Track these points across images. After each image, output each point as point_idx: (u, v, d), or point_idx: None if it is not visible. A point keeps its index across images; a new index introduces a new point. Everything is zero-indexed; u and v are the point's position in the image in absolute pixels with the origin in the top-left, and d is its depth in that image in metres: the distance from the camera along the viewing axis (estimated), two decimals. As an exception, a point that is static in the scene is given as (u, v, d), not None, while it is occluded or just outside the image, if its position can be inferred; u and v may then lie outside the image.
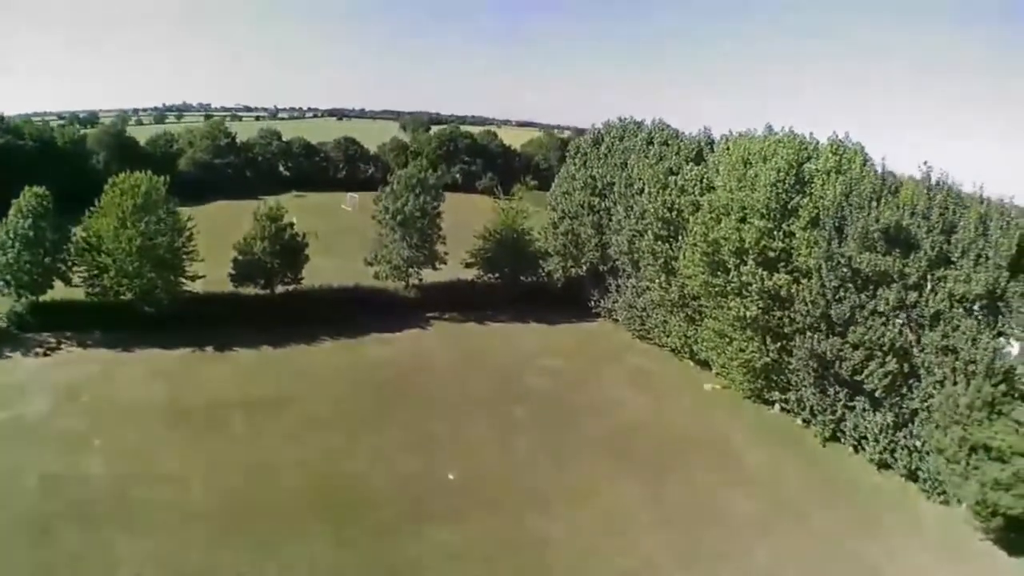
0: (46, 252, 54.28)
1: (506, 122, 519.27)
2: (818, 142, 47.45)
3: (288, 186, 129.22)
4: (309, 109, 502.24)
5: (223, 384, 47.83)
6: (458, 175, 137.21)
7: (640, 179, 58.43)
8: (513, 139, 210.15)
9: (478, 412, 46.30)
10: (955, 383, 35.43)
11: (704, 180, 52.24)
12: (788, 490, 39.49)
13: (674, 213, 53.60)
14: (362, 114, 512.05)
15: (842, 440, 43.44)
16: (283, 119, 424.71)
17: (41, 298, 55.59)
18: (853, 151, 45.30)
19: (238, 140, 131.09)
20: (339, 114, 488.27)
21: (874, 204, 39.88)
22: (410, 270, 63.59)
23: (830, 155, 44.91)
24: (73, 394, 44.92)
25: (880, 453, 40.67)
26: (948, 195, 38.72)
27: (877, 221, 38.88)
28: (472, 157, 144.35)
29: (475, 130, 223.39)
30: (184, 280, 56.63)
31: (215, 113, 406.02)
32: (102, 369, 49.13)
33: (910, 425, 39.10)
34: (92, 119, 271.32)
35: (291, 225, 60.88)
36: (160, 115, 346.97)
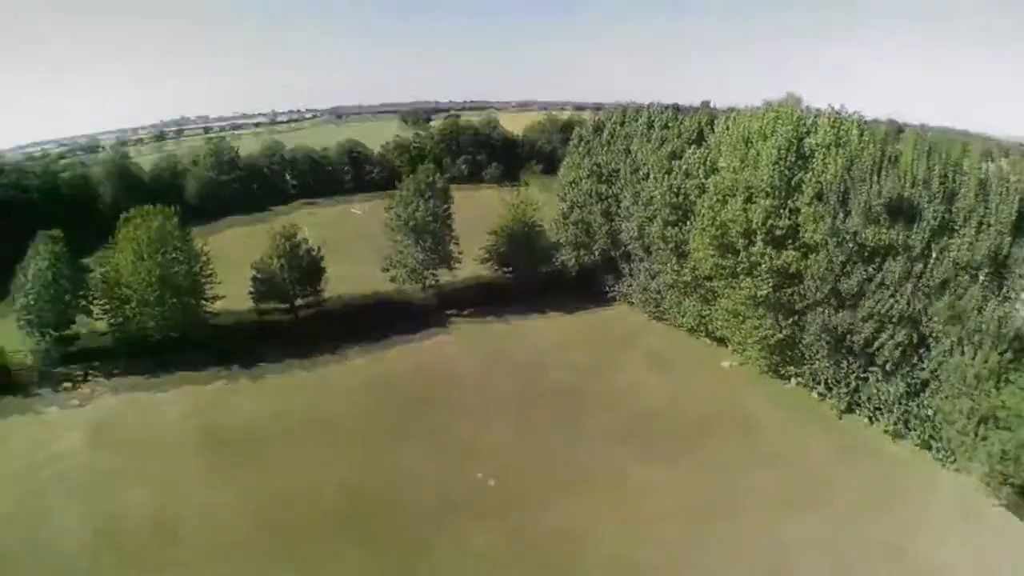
0: (65, 290, 55.27)
1: (506, 104, 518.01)
2: (816, 115, 48.04)
3: (295, 197, 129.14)
4: (308, 110, 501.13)
5: (255, 409, 48.73)
6: (464, 168, 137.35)
7: (645, 164, 59.14)
8: (514, 123, 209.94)
9: (504, 412, 47.55)
10: (963, 352, 36.22)
11: (708, 162, 52.90)
12: (808, 463, 40.74)
13: (681, 197, 54.38)
14: (360, 111, 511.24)
15: (857, 412, 44.42)
16: (282, 123, 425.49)
17: (64, 333, 56.45)
18: (851, 123, 45.88)
19: (242, 155, 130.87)
20: (338, 112, 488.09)
21: (875, 177, 40.60)
22: (426, 273, 64.55)
23: (828, 128, 45.50)
24: (106, 429, 45.82)
25: (895, 424, 41.70)
26: (947, 162, 39.36)
27: (879, 195, 39.66)
28: (476, 149, 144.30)
29: (476, 118, 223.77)
30: (205, 303, 57.80)
31: (213, 124, 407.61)
32: (131, 403, 49.92)
33: (922, 394, 40.03)
34: (92, 146, 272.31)
35: (305, 240, 61.82)
36: (160, 134, 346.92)
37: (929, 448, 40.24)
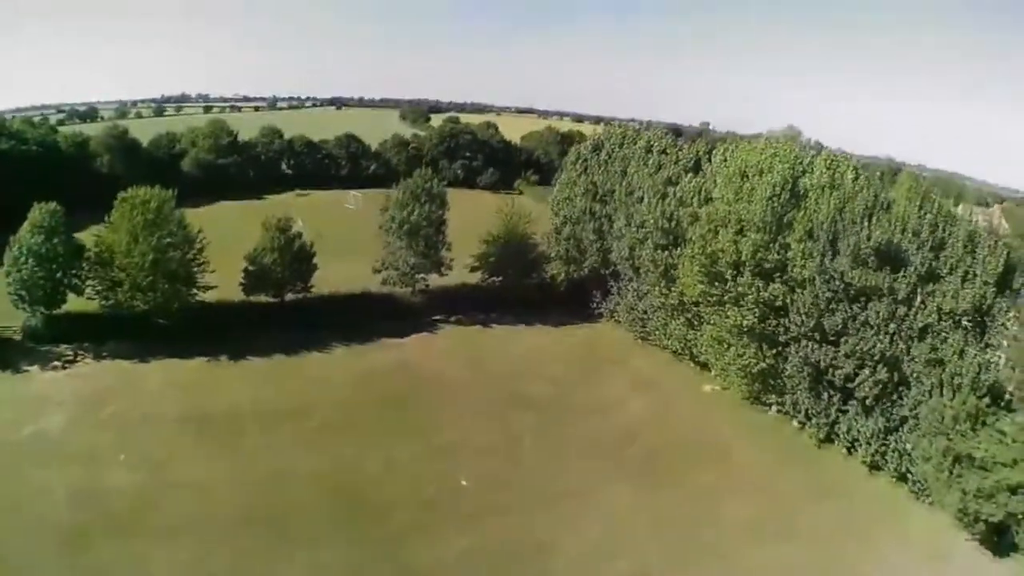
0: (59, 267, 54.89)
1: (505, 109, 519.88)
2: (813, 156, 49.17)
3: (291, 184, 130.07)
4: (308, 98, 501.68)
5: (239, 393, 49.40)
6: (460, 171, 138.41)
7: (640, 188, 60.07)
8: (512, 128, 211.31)
9: (486, 418, 48.26)
10: (942, 394, 37.32)
11: (703, 192, 53.84)
12: (783, 491, 41.53)
13: (673, 223, 55.27)
14: (361, 103, 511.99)
15: (836, 442, 45.31)
16: (282, 109, 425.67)
17: (54, 311, 56.36)
18: (846, 166, 46.96)
19: (240, 139, 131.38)
20: (338, 103, 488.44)
21: (866, 221, 41.67)
22: (417, 277, 65.17)
23: (824, 170, 46.55)
24: (94, 407, 46.23)
25: (872, 456, 42.60)
26: (939, 212, 40.48)
27: (868, 239, 40.70)
28: (473, 153, 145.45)
29: (475, 121, 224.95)
30: (197, 291, 57.91)
31: (214, 104, 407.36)
32: (120, 380, 50.44)
33: (900, 430, 41.06)
34: (91, 113, 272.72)
35: (299, 235, 62.18)
36: (159, 107, 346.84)
37: (905, 481, 41.21)
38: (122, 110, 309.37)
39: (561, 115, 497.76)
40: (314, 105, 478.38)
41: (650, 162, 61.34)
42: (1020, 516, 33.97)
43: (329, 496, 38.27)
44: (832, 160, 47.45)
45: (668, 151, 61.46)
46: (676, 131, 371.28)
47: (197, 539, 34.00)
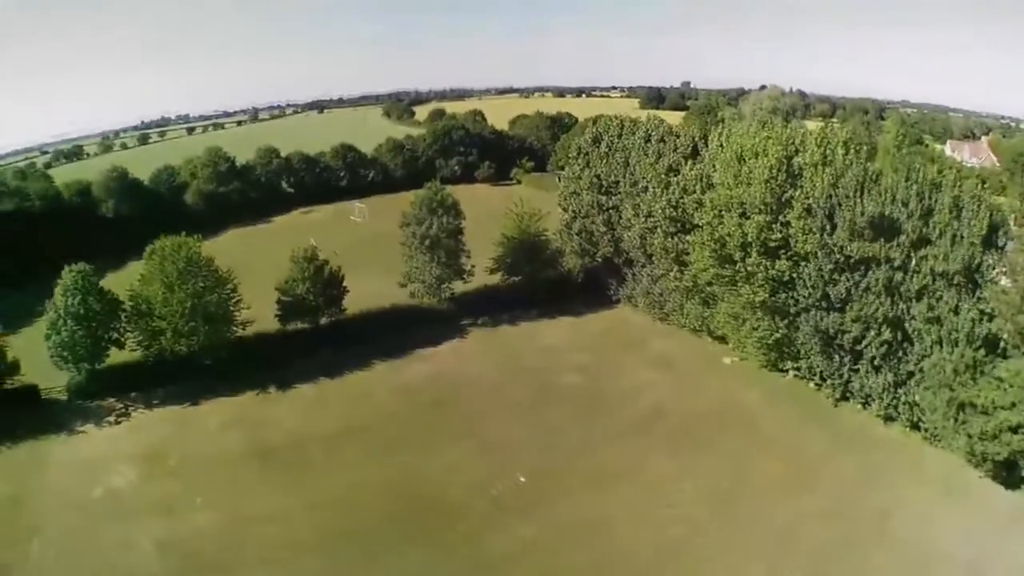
0: (98, 324, 56.08)
1: (486, 92, 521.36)
2: (804, 134, 52.68)
3: (293, 202, 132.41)
4: (288, 105, 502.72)
5: (294, 421, 52.34)
6: (456, 168, 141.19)
7: (643, 178, 63.45)
8: (497, 112, 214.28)
9: (526, 413, 51.81)
10: (941, 349, 41.17)
11: (704, 178, 57.24)
12: (807, 447, 45.55)
13: (679, 211, 58.70)
14: (341, 103, 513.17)
15: (851, 399, 49.24)
16: (264, 119, 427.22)
17: (98, 367, 57.28)
18: (836, 141, 50.36)
19: (238, 163, 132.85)
20: (319, 106, 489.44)
21: (858, 196, 45.27)
22: (442, 286, 68.58)
23: (816, 148, 49.95)
24: (157, 457, 48.12)
25: (885, 409, 46.45)
26: (924, 182, 44.09)
27: (862, 213, 44.36)
28: (467, 148, 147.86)
29: (460, 109, 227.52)
30: (236, 328, 60.26)
31: (195, 124, 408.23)
32: (177, 426, 52.56)
33: (908, 384, 44.89)
34: (76, 151, 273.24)
35: (327, 262, 64.78)
36: (143, 135, 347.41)
37: (917, 429, 44.85)
38: (106, 143, 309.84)
39: (542, 91, 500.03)
40: (295, 111, 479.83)
41: (650, 151, 64.38)
42: None
43: (401, 505, 41.28)
44: (822, 138, 50.77)
45: (666, 139, 64.59)
46: (659, 95, 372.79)
47: (286, 566, 36.79)
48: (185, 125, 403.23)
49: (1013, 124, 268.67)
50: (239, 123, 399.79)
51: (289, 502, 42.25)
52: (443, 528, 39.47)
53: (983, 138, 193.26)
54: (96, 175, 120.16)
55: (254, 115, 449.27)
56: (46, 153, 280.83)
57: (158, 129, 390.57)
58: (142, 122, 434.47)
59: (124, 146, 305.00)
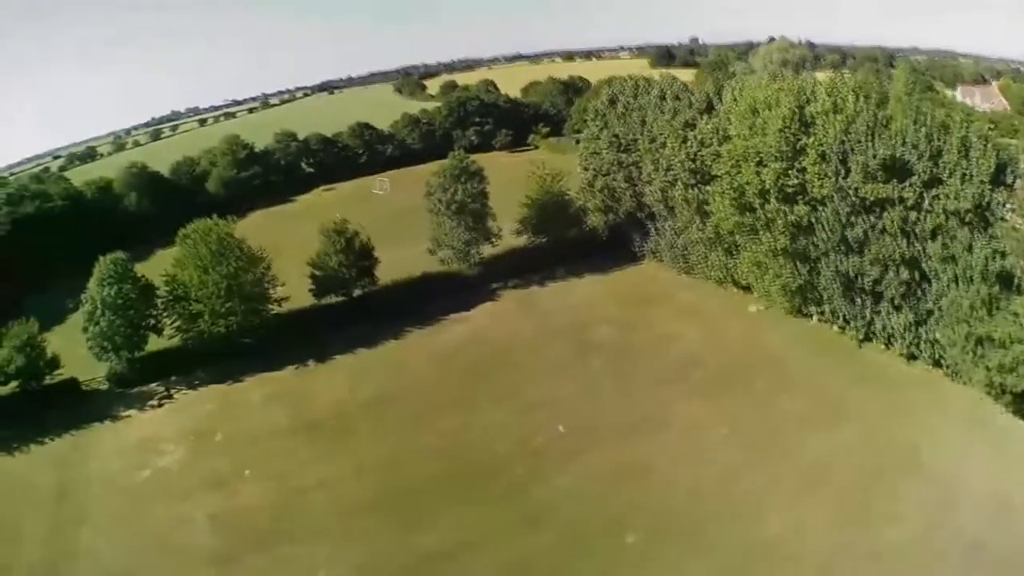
0: (136, 312, 57.47)
1: (495, 60, 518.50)
2: (815, 84, 54.02)
3: (314, 182, 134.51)
4: (298, 88, 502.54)
5: (335, 392, 53.98)
6: (474, 138, 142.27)
7: (661, 134, 64.94)
8: (509, 80, 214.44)
9: (562, 369, 53.73)
10: (957, 286, 42.75)
11: (720, 131, 58.71)
12: (834, 387, 47.20)
13: (698, 163, 60.21)
14: (351, 82, 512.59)
15: (874, 340, 50.89)
16: (275, 105, 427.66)
17: (137, 355, 58.58)
18: (846, 88, 51.66)
19: (256, 149, 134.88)
20: (329, 87, 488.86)
21: (869, 140, 46.75)
22: (471, 251, 70.61)
23: (826, 97, 51.29)
24: (203, 435, 49.66)
25: (907, 347, 48.15)
26: (932, 124, 45.46)
27: (874, 157, 45.88)
28: (483, 118, 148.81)
29: (471, 80, 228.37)
30: (272, 306, 61.85)
31: (207, 115, 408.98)
32: (220, 404, 54.20)
33: (927, 322, 46.46)
34: (90, 153, 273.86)
35: (357, 234, 66.61)
36: (155, 131, 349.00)
37: (940, 366, 46.40)
38: (119, 142, 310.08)
39: (551, 56, 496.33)
40: (305, 95, 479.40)
41: (666, 109, 65.68)
42: None
43: (446, 465, 42.98)
44: (833, 87, 52.08)
45: (680, 96, 65.91)
46: (668, 53, 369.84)
47: (341, 532, 38.17)
48: (196, 117, 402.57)
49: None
50: (250, 110, 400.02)
51: (336, 470, 43.85)
52: (487, 484, 41.27)
53: (993, 83, 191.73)
54: (115, 172, 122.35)
55: (265, 101, 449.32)
56: (59, 158, 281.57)
57: (169, 124, 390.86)
58: (152, 118, 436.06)
59: (137, 143, 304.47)
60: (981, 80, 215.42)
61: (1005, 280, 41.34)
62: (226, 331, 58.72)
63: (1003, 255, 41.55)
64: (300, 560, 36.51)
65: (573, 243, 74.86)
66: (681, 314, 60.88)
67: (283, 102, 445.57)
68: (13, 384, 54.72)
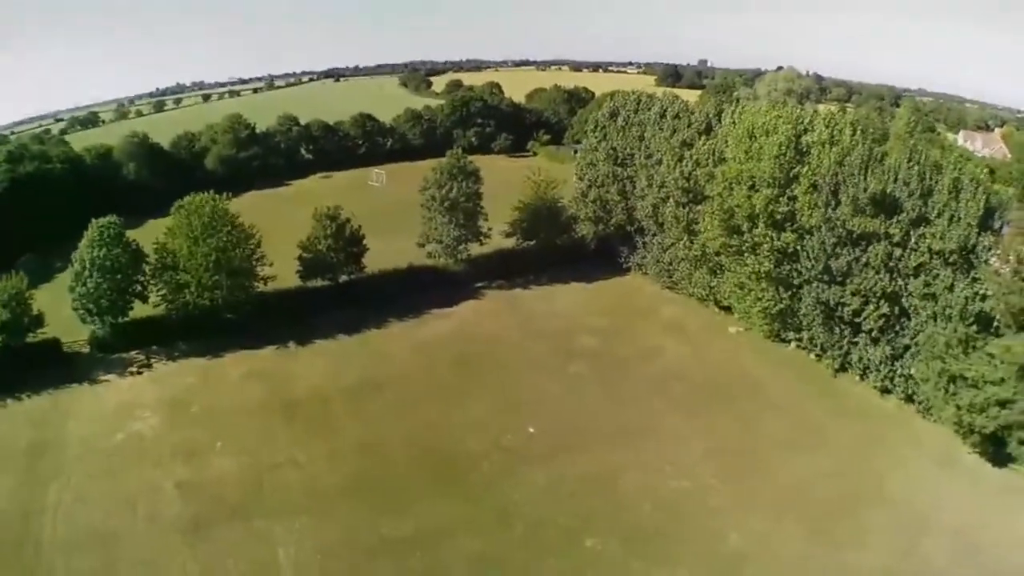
0: (123, 276, 57.20)
1: (502, 64, 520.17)
2: (814, 115, 54.80)
3: (312, 168, 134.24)
4: (304, 73, 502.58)
5: (315, 375, 54.23)
6: (474, 139, 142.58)
7: (658, 151, 65.60)
8: (514, 85, 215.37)
9: (544, 371, 54.29)
10: (936, 324, 43.44)
11: (716, 153, 59.38)
12: (808, 413, 48.05)
13: (691, 182, 60.88)
14: (357, 71, 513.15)
15: (849, 370, 51.62)
16: (280, 87, 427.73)
17: (121, 320, 58.40)
18: (844, 122, 52.49)
19: (258, 130, 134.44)
20: (335, 74, 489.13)
21: (862, 173, 47.46)
22: (459, 248, 70.90)
23: (824, 128, 52.08)
24: (180, 405, 49.87)
25: (882, 380, 48.90)
26: (925, 163, 46.23)
27: (865, 190, 46.59)
28: (485, 119, 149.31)
29: (476, 81, 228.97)
30: (257, 284, 61.96)
31: (211, 91, 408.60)
32: (199, 377, 54.32)
33: (904, 357, 47.23)
34: (92, 119, 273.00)
35: (348, 220, 66.53)
36: (158, 103, 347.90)
37: (912, 401, 47.28)
38: (121, 111, 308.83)
39: (558, 65, 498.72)
40: (311, 79, 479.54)
41: (665, 126, 66.46)
42: (1012, 427, 39.93)
43: (421, 455, 43.61)
44: (831, 118, 52.90)
45: (680, 115, 66.64)
46: (675, 72, 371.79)
47: (310, 511, 38.45)
48: (200, 92, 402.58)
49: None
50: (255, 91, 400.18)
51: (311, 451, 44.28)
52: (460, 477, 41.80)
53: (996, 129, 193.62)
54: (116, 140, 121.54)
55: (270, 82, 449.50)
56: (60, 120, 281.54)
57: (173, 96, 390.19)
58: (157, 89, 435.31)
59: (139, 113, 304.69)
60: (984, 126, 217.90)
61: (984, 321, 42.15)
62: (211, 304, 58.74)
63: (984, 297, 42.31)
64: (267, 535, 36.80)
65: (561, 250, 75.44)
66: (664, 328, 61.54)
67: (288, 85, 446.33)
68: (-5, 338, 54.12)
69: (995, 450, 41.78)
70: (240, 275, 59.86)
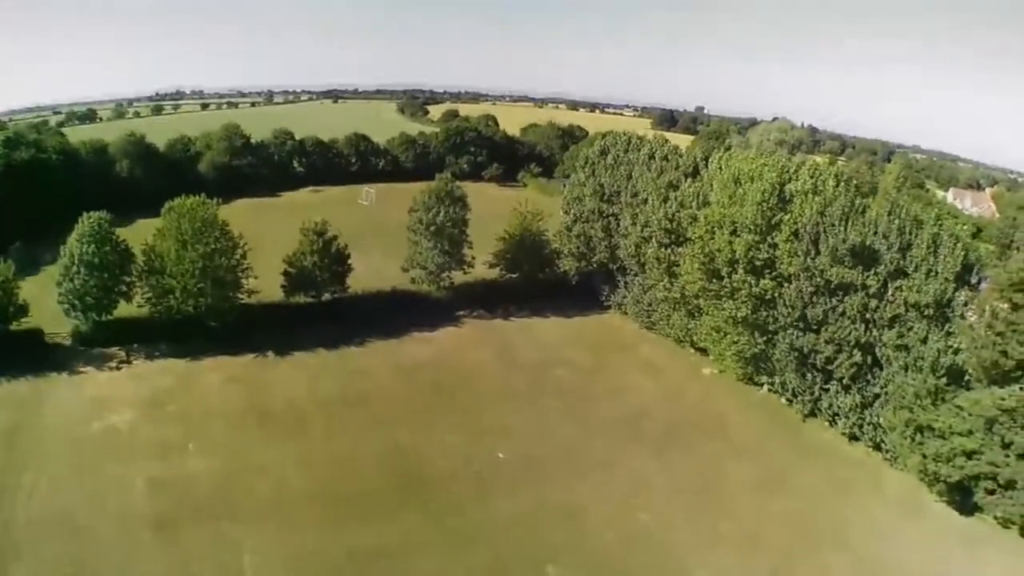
0: (110, 275, 57.56)
1: (501, 98, 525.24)
2: (799, 165, 55.79)
3: (303, 182, 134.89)
4: (304, 91, 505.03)
5: (291, 386, 54.40)
6: (465, 166, 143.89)
7: (644, 190, 66.45)
8: (510, 119, 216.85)
9: (518, 402, 54.50)
10: (907, 374, 44.03)
11: (701, 196, 60.25)
12: (776, 457, 48.44)
13: (675, 223, 61.65)
14: (356, 94, 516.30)
15: (819, 416, 52.20)
16: (279, 103, 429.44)
17: (105, 318, 58.73)
18: (828, 173, 53.41)
19: (253, 140, 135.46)
20: (335, 95, 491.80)
21: (843, 224, 48.29)
22: (442, 275, 71.23)
23: (808, 177, 53.00)
24: (156, 403, 50.10)
25: (850, 428, 49.46)
26: (906, 217, 47.13)
27: (845, 241, 47.37)
28: (478, 148, 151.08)
29: (473, 112, 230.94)
30: (242, 295, 62.13)
31: (210, 100, 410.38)
32: (177, 378, 54.46)
33: (873, 406, 47.83)
34: (90, 115, 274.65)
35: (335, 238, 66.96)
36: (157, 105, 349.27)
37: (879, 450, 47.97)
38: (120, 110, 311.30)
39: (556, 102, 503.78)
40: (310, 98, 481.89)
41: (653, 167, 67.49)
42: (979, 477, 40.57)
43: (391, 474, 43.73)
44: (815, 169, 53.87)
45: (669, 157, 67.71)
46: (671, 117, 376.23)
47: (277, 518, 38.69)
48: (199, 100, 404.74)
49: (1022, 179, 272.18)
50: (252, 104, 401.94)
51: (283, 458, 44.44)
52: (428, 497, 41.89)
53: (987, 189, 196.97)
54: (112, 137, 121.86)
55: (269, 97, 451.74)
56: (59, 113, 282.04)
57: (172, 101, 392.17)
58: (156, 93, 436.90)
59: (137, 114, 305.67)
60: (976, 185, 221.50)
61: (955, 374, 42.88)
62: (194, 311, 59.00)
63: (956, 351, 43.06)
64: (233, 538, 36.95)
65: (543, 284, 75.82)
66: (638, 367, 61.96)
67: (287, 102, 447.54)
68: (-22, 322, 54.63)
69: (962, 499, 42.32)
70: (225, 286, 60.12)
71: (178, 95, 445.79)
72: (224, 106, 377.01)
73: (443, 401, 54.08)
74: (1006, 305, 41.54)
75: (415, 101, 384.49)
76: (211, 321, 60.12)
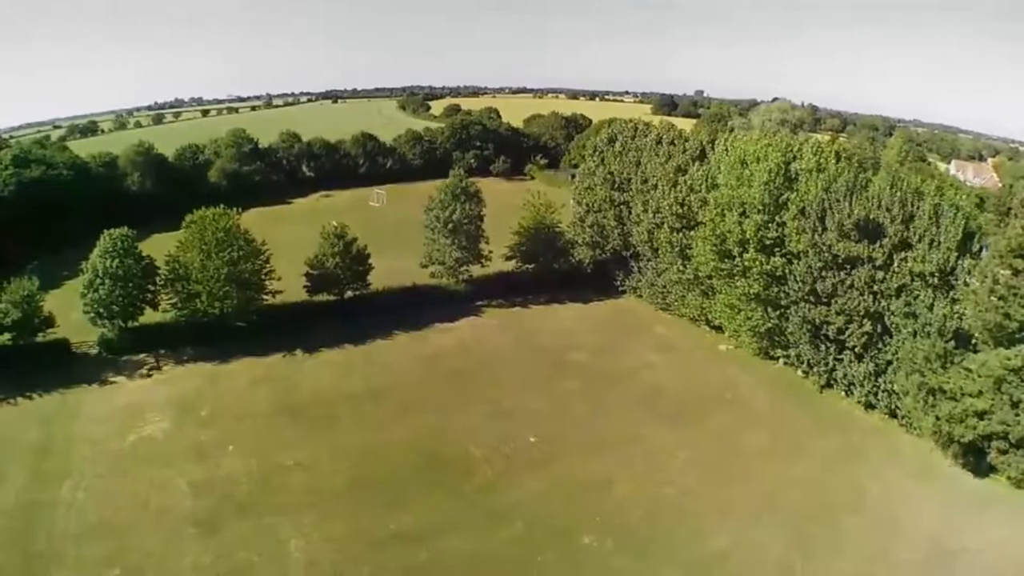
0: (135, 285, 59.15)
1: (500, 90, 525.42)
2: (802, 143, 57.55)
3: (313, 186, 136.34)
4: (303, 94, 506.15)
5: (320, 382, 56.15)
6: (472, 161, 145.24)
7: (653, 176, 68.31)
8: (512, 111, 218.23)
9: (539, 384, 56.27)
10: (915, 340, 45.92)
11: (709, 179, 62.10)
12: (792, 426, 50.28)
13: (685, 208, 63.51)
14: (355, 94, 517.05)
15: (835, 387, 53.93)
16: (278, 106, 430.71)
17: (131, 325, 60.34)
18: (830, 151, 55.20)
19: (260, 145, 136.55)
20: (334, 96, 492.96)
21: (847, 200, 50.11)
22: (461, 269, 73.26)
23: (811, 156, 54.83)
24: (189, 408, 51.29)
25: (866, 396, 51.21)
26: (907, 190, 48.91)
27: (850, 216, 49.22)
28: (484, 142, 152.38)
29: (475, 106, 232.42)
30: (265, 296, 63.96)
31: (210, 107, 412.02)
32: (207, 382, 55.75)
33: (886, 373, 49.59)
34: (91, 127, 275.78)
35: (355, 240, 68.84)
36: (157, 115, 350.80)
37: (895, 416, 49.54)
38: (121, 121, 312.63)
39: (555, 92, 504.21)
40: (309, 100, 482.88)
41: (660, 152, 69.27)
42: (992, 438, 42.12)
43: (422, 459, 45.20)
44: (818, 147, 55.65)
45: (676, 142, 69.46)
46: (671, 102, 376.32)
47: (316, 508, 39.99)
48: (199, 108, 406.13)
49: (1023, 148, 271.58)
50: (253, 108, 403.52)
51: (317, 453, 45.94)
52: (459, 480, 43.67)
53: (988, 160, 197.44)
54: (117, 148, 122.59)
55: (268, 101, 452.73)
56: (59, 128, 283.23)
57: (172, 110, 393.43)
58: (155, 103, 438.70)
59: (138, 124, 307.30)
60: (978, 156, 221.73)
61: (962, 338, 44.66)
62: (220, 313, 60.56)
63: (961, 316, 44.85)
64: (278, 529, 38.34)
65: (558, 274, 77.67)
66: (655, 346, 63.88)
67: (286, 104, 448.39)
68: (7, 336, 56.30)
69: (976, 461, 43.84)
70: (250, 288, 61.86)
71: (177, 104, 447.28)
72: (224, 111, 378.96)
73: (466, 386, 55.88)
74: (1007, 271, 43.11)
75: (415, 97, 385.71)
76: (238, 323, 61.94)
